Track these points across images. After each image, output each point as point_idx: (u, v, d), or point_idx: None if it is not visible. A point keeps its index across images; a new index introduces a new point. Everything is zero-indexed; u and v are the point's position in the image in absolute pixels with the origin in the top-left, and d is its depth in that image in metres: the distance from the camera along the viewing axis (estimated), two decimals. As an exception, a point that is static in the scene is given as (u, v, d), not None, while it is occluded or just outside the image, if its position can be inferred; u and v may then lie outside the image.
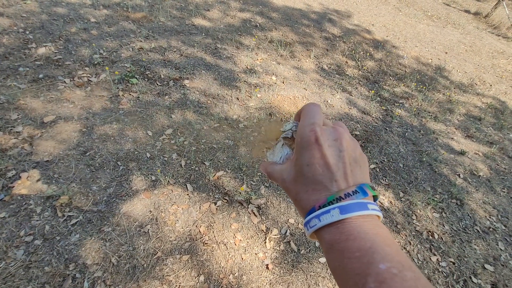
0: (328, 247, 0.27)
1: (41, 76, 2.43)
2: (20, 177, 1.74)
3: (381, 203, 2.26)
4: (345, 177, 0.29)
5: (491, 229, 2.32)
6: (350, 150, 0.30)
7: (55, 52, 2.72)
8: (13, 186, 1.69)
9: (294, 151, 0.32)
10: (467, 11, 9.26)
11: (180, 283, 1.52)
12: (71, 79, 2.50)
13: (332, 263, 0.27)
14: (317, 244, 1.87)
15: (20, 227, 1.55)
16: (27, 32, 2.85)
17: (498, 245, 2.20)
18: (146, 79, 2.74)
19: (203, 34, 3.71)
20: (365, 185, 0.29)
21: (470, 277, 1.92)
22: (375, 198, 0.30)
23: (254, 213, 1.93)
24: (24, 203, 1.64)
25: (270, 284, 1.62)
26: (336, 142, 0.30)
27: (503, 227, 2.37)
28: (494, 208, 2.53)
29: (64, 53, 2.74)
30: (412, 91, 3.97)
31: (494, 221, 2.40)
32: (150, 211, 1.78)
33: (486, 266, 2.01)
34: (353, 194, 0.28)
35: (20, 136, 1.96)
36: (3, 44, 2.63)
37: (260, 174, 2.19)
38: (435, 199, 2.42)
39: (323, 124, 0.33)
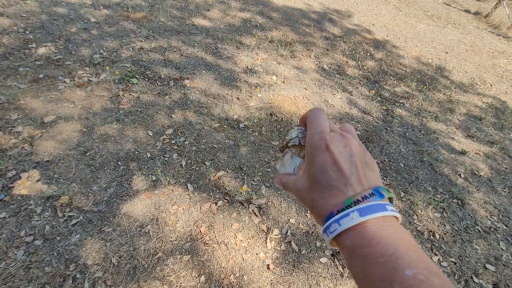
0: (349, 253, 0.27)
1: (41, 76, 2.43)
2: (20, 177, 1.74)
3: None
4: (360, 180, 0.29)
5: (492, 229, 2.31)
6: (360, 155, 0.31)
7: (55, 52, 2.72)
8: (13, 186, 1.69)
9: (306, 160, 0.33)
10: (467, 11, 9.26)
11: (181, 283, 1.52)
12: (71, 79, 2.50)
13: (354, 269, 0.26)
14: (318, 244, 1.86)
15: (21, 227, 1.54)
16: (27, 32, 2.84)
17: (499, 245, 2.19)
18: (146, 79, 2.73)
19: (204, 34, 3.71)
20: (380, 188, 0.30)
21: (472, 277, 1.91)
22: (390, 200, 0.30)
23: (255, 213, 1.93)
24: (24, 203, 1.64)
25: (271, 284, 1.62)
26: (346, 148, 0.31)
27: (504, 227, 2.36)
28: (495, 208, 2.52)
29: (64, 53, 2.74)
30: (412, 91, 3.96)
31: (495, 221, 2.39)
32: (151, 211, 1.78)
33: (488, 266, 2.01)
34: (370, 196, 0.28)
35: (20, 136, 1.95)
36: (3, 44, 2.63)
37: (260, 174, 2.19)
38: (436, 199, 2.42)
39: (331, 130, 0.34)
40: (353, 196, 0.28)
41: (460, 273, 1.92)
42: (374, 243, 0.25)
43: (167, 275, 1.53)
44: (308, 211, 1.88)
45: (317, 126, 0.33)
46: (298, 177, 0.34)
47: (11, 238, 1.50)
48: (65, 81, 2.45)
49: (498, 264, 2.04)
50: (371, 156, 0.33)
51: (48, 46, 2.75)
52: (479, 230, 2.27)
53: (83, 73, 2.58)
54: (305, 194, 0.32)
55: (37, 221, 1.58)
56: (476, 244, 2.15)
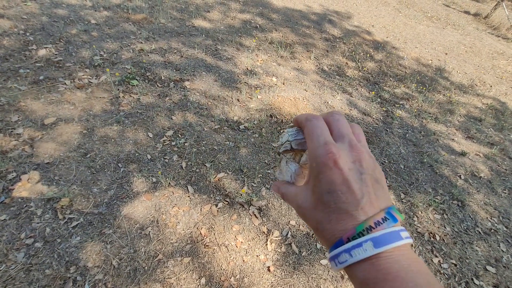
0: (362, 286, 0.25)
1: (41, 78, 2.43)
2: (20, 179, 1.74)
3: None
4: (371, 202, 0.27)
5: (492, 230, 2.31)
6: (370, 170, 0.28)
7: (56, 54, 2.72)
8: (14, 188, 1.69)
9: (309, 175, 0.30)
10: (467, 12, 9.28)
11: (181, 285, 1.52)
12: (72, 80, 2.50)
13: None
14: (319, 246, 1.86)
15: (21, 229, 1.54)
16: (28, 34, 2.85)
17: (499, 246, 2.19)
18: (146, 81, 2.74)
19: (204, 36, 3.71)
20: (392, 209, 0.27)
21: (472, 279, 1.91)
22: None
23: (255, 215, 1.93)
24: (24, 206, 1.64)
25: (272, 286, 1.62)
26: (355, 164, 0.28)
27: (505, 229, 2.36)
28: (495, 209, 2.52)
29: (65, 55, 2.74)
30: (412, 92, 3.97)
31: (496, 223, 2.39)
32: (151, 213, 1.78)
33: (488, 267, 2.01)
34: (383, 222, 0.26)
35: (21, 138, 1.95)
36: (3, 46, 2.63)
37: (261, 176, 2.19)
38: (436, 200, 2.42)
39: (334, 135, 0.30)
40: (365, 222, 0.25)
41: (460, 275, 1.92)
42: (391, 277, 0.23)
43: (168, 277, 1.53)
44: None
45: (319, 136, 0.29)
46: (299, 191, 0.31)
47: (11, 240, 1.50)
48: (65, 83, 2.45)
49: (499, 266, 2.04)
50: (380, 169, 0.30)
51: (49, 47, 2.76)
52: (479, 232, 2.27)
53: (83, 75, 2.58)
54: (309, 213, 0.29)
55: (38, 223, 1.58)
56: (476, 246, 2.15)
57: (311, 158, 0.29)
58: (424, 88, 4.11)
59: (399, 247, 0.25)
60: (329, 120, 0.31)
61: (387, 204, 0.28)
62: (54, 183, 1.77)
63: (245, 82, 3.10)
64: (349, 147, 0.29)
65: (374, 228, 0.25)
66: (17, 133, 1.97)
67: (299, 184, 0.34)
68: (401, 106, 3.59)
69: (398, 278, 0.23)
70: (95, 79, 2.59)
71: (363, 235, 0.25)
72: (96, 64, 2.72)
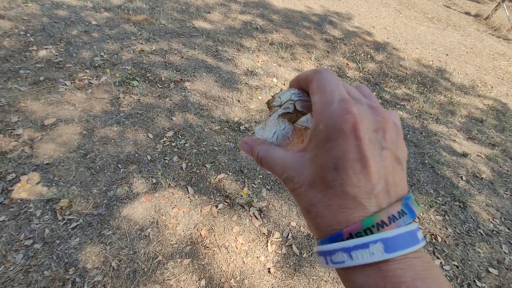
0: None
1: (41, 78, 2.43)
2: (20, 180, 1.73)
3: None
4: (388, 189, 0.20)
5: (494, 232, 2.30)
6: (393, 144, 0.22)
7: (56, 55, 2.72)
8: (13, 189, 1.68)
9: (310, 141, 0.22)
10: (468, 13, 9.27)
11: (181, 287, 1.50)
12: (72, 81, 2.50)
13: None
14: (319, 247, 1.85)
15: (20, 230, 1.54)
16: (28, 35, 2.85)
17: (502, 248, 2.17)
18: (147, 82, 2.73)
19: (204, 36, 3.71)
20: (410, 199, 0.21)
21: (474, 281, 1.90)
22: None
23: (255, 216, 1.91)
24: (24, 207, 1.63)
25: (272, 288, 1.60)
26: (378, 135, 0.21)
27: (507, 230, 2.34)
28: (497, 210, 2.51)
29: (65, 56, 2.74)
30: (413, 93, 3.96)
31: (498, 224, 2.38)
32: (151, 214, 1.77)
33: (490, 269, 1.99)
34: (400, 218, 0.20)
35: (20, 138, 1.95)
36: (4, 46, 2.63)
37: (261, 177, 2.18)
38: (438, 201, 2.40)
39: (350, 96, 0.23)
40: (377, 215, 0.20)
41: (462, 277, 1.90)
42: None
43: (167, 279, 1.52)
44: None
45: (333, 91, 0.22)
46: (290, 157, 0.23)
47: (10, 241, 1.49)
48: (65, 84, 2.45)
49: (501, 268, 2.03)
50: (404, 144, 0.23)
51: (49, 48, 2.76)
52: (481, 233, 2.25)
53: (83, 76, 2.58)
54: (300, 191, 0.22)
55: (37, 224, 1.58)
56: (478, 247, 2.13)
57: (319, 117, 0.21)
58: (425, 89, 4.10)
59: (415, 251, 0.20)
60: None
61: (404, 192, 0.21)
62: (54, 184, 1.77)
63: (246, 83, 3.10)
64: (371, 109, 0.22)
65: (387, 225, 0.19)
66: (17, 134, 1.96)
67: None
68: (402, 107, 3.58)
69: None
70: (96, 80, 2.58)
71: (372, 233, 0.19)
72: (96, 65, 2.72)
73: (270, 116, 0.27)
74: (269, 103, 0.28)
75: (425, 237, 2.10)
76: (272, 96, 0.27)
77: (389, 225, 0.19)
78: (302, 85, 0.26)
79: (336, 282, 1.70)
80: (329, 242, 0.21)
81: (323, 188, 0.21)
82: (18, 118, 2.07)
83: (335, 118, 0.20)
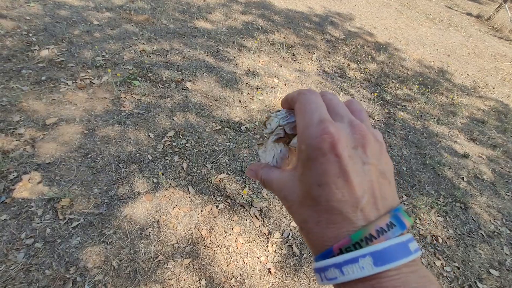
0: None
1: (43, 78, 2.44)
2: (21, 179, 1.74)
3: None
4: (374, 202, 0.21)
5: (495, 233, 2.29)
6: (375, 159, 0.22)
7: (58, 55, 2.73)
8: (15, 189, 1.69)
9: (297, 158, 0.23)
10: (469, 14, 9.25)
11: (181, 287, 1.51)
12: (74, 81, 2.50)
13: None
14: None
15: (21, 229, 1.54)
16: (30, 35, 2.86)
17: (503, 249, 2.17)
18: (148, 81, 2.74)
19: (205, 37, 3.72)
20: (399, 211, 0.21)
21: (475, 282, 1.89)
22: None
23: (256, 216, 1.92)
24: (25, 206, 1.64)
25: (273, 288, 1.60)
26: (357, 151, 0.22)
27: (508, 231, 2.34)
28: (498, 212, 2.50)
29: (67, 56, 2.75)
30: (414, 93, 3.95)
31: (499, 225, 2.37)
32: (152, 214, 1.77)
33: (491, 271, 1.99)
34: (388, 230, 0.20)
35: (22, 138, 1.96)
36: (6, 46, 2.64)
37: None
38: (439, 202, 2.40)
39: (332, 114, 0.24)
40: (364, 228, 0.20)
41: (463, 278, 1.90)
42: None
43: (168, 279, 1.52)
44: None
45: (313, 112, 0.23)
46: (285, 177, 0.25)
47: (11, 240, 1.49)
48: (67, 83, 2.46)
49: (502, 269, 2.02)
50: (388, 158, 0.24)
51: (51, 48, 2.77)
52: (482, 235, 2.25)
53: (85, 76, 2.59)
54: (294, 208, 0.23)
55: (38, 223, 1.58)
56: (479, 249, 2.13)
57: (301, 138, 0.23)
58: (427, 90, 4.10)
59: (407, 264, 0.20)
60: (322, 97, 0.26)
61: (394, 204, 0.22)
62: (55, 183, 1.77)
63: (247, 83, 3.10)
64: (350, 127, 0.23)
65: (375, 238, 0.19)
66: (18, 133, 1.97)
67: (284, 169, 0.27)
68: (403, 107, 3.58)
69: None
70: (97, 79, 2.59)
71: (361, 247, 0.19)
72: (98, 64, 2.73)
73: (268, 139, 0.29)
74: (265, 124, 0.30)
75: (425, 238, 2.09)
76: (265, 120, 0.29)
77: (378, 238, 0.20)
78: (289, 106, 0.27)
79: (337, 282, 1.70)
80: (322, 258, 0.21)
81: (311, 204, 0.22)
82: (20, 117, 2.08)
83: (314, 138, 0.22)
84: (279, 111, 0.29)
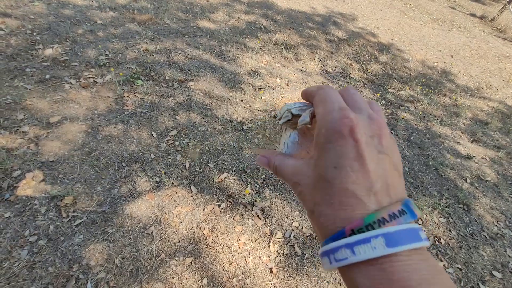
0: None
1: (47, 77, 2.45)
2: (25, 177, 1.75)
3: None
4: (387, 189, 0.21)
5: (499, 235, 2.28)
6: (389, 151, 0.23)
7: (62, 53, 2.75)
8: (19, 186, 1.70)
9: (315, 143, 0.24)
10: (473, 15, 9.21)
11: (183, 285, 1.51)
12: (77, 80, 2.52)
13: None
14: (322, 248, 1.85)
15: (25, 227, 1.55)
16: (35, 34, 2.88)
17: (506, 251, 2.16)
18: (151, 81, 2.75)
19: (208, 36, 3.72)
20: (410, 202, 0.22)
21: (478, 284, 1.88)
22: None
23: (258, 215, 1.92)
24: (29, 203, 1.65)
25: (274, 288, 1.60)
26: (373, 140, 0.23)
27: (511, 233, 2.32)
28: (501, 213, 2.49)
29: (71, 54, 2.77)
30: (417, 94, 3.94)
31: (502, 227, 2.35)
32: (154, 213, 1.78)
33: (494, 273, 1.98)
34: (400, 216, 0.20)
35: (26, 136, 1.97)
36: (11, 45, 2.66)
37: (264, 177, 2.18)
38: (442, 204, 2.39)
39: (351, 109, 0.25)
40: (377, 212, 0.20)
41: (466, 280, 1.89)
42: None
43: (170, 277, 1.52)
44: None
45: (333, 102, 0.24)
46: (299, 164, 0.25)
47: (15, 237, 1.50)
48: (71, 82, 2.47)
49: (505, 271, 2.01)
50: (399, 155, 0.25)
51: (55, 47, 2.78)
52: (485, 236, 2.23)
53: (88, 74, 2.60)
54: (307, 191, 0.23)
55: (41, 221, 1.59)
56: (482, 251, 2.12)
57: (321, 123, 0.24)
58: (430, 91, 4.08)
59: (417, 250, 0.20)
60: (343, 94, 0.27)
61: (404, 196, 0.23)
62: (58, 181, 1.78)
63: (249, 83, 3.10)
64: (369, 119, 0.24)
65: (387, 222, 0.20)
66: (22, 131, 1.99)
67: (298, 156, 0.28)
68: (406, 108, 3.56)
69: None
70: (100, 78, 2.60)
71: (373, 229, 0.20)
72: (101, 63, 2.74)
73: (282, 133, 0.30)
74: (275, 115, 0.31)
75: (428, 239, 2.08)
76: (281, 119, 0.30)
77: (390, 222, 0.20)
78: (307, 99, 0.28)
79: (338, 283, 1.70)
80: (332, 240, 0.21)
81: (325, 186, 0.22)
82: (24, 115, 2.09)
83: (335, 122, 0.23)
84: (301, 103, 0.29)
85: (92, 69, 2.67)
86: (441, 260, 1.96)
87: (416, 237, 0.20)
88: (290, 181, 0.26)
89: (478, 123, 3.76)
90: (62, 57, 2.70)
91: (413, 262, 0.19)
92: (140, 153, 2.09)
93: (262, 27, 4.40)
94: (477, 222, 2.34)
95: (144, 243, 1.63)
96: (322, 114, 0.24)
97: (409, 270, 0.19)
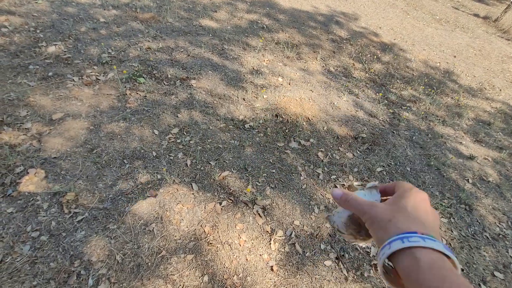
0: (405, 271, 0.31)
1: (50, 74, 2.46)
2: (28, 173, 1.76)
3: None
4: (433, 229, 0.35)
5: (501, 235, 2.27)
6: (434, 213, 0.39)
7: (65, 51, 2.76)
8: (21, 182, 1.71)
9: (394, 199, 0.39)
10: (476, 15, 9.16)
11: (184, 282, 1.51)
12: (80, 77, 2.53)
13: (430, 283, 0.29)
14: (323, 246, 1.84)
15: (27, 222, 1.56)
16: (38, 31, 2.89)
17: (508, 252, 2.15)
18: (153, 79, 2.75)
19: (210, 35, 3.73)
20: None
21: (479, 285, 1.87)
22: None
23: (259, 214, 1.92)
24: (31, 199, 1.65)
25: (275, 286, 1.60)
26: (428, 202, 0.39)
27: (513, 234, 2.31)
28: (503, 214, 2.47)
29: (74, 52, 2.78)
30: (420, 94, 3.93)
31: (504, 228, 2.34)
32: (155, 210, 1.78)
33: (496, 273, 1.97)
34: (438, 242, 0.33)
35: (29, 132, 1.98)
36: (14, 42, 2.67)
37: (265, 175, 2.18)
38: (443, 204, 2.38)
39: None
40: (429, 234, 0.33)
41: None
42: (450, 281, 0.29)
43: (171, 274, 1.53)
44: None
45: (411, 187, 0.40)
46: (377, 204, 0.38)
47: (17, 233, 1.51)
48: (73, 80, 2.48)
49: (507, 272, 2.00)
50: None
51: (58, 45, 2.79)
52: (487, 237, 2.22)
53: (91, 72, 2.61)
54: (385, 209, 0.36)
55: (44, 216, 1.60)
56: (484, 251, 2.11)
57: (402, 186, 0.41)
58: (432, 91, 4.06)
59: (454, 260, 0.32)
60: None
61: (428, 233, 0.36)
62: (61, 178, 1.79)
63: (251, 82, 3.10)
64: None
65: (434, 241, 0.32)
66: (25, 128, 2.00)
67: (346, 232, 0.43)
68: (408, 108, 3.55)
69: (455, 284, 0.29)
70: (103, 76, 2.61)
71: (433, 240, 0.32)
72: (104, 61, 2.75)
73: (361, 191, 0.45)
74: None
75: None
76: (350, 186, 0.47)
77: (435, 242, 0.32)
78: (386, 190, 0.44)
79: (339, 281, 1.69)
80: (406, 233, 0.33)
81: (403, 212, 0.36)
82: (27, 112, 2.10)
83: (410, 187, 0.40)
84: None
85: (95, 67, 2.68)
86: (442, 260, 1.96)
87: (451, 251, 0.32)
88: (362, 202, 0.40)
89: (480, 123, 3.74)
90: (65, 54, 2.71)
91: (445, 268, 0.30)
92: (142, 151, 2.09)
93: (264, 26, 4.40)
94: (479, 223, 2.33)
95: (145, 240, 1.64)
96: (401, 185, 0.42)
97: (438, 276, 0.29)
